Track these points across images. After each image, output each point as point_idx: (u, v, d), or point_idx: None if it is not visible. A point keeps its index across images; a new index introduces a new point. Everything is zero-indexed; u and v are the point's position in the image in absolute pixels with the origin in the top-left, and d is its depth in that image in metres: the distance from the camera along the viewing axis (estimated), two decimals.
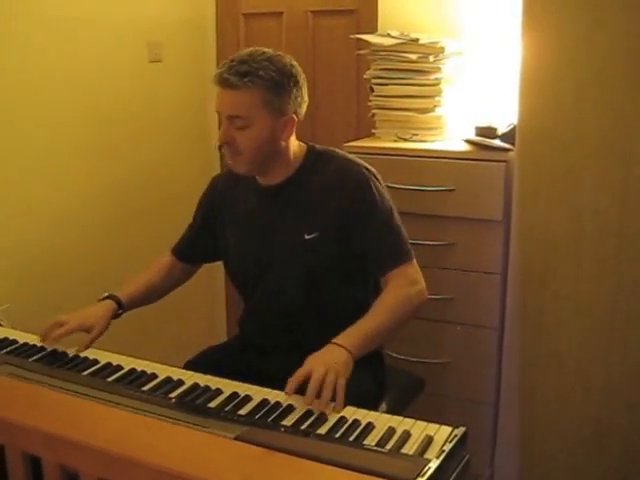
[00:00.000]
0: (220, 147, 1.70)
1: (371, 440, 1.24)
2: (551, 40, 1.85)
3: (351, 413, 1.34)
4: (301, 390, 1.40)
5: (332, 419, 1.32)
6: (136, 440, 1.05)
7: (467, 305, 2.28)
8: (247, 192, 1.80)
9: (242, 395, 1.42)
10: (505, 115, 2.27)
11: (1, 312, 2.08)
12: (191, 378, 1.50)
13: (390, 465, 1.15)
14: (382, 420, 1.31)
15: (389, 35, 2.37)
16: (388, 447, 1.21)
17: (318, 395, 1.38)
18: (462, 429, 1.25)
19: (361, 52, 2.46)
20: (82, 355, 1.61)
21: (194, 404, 1.39)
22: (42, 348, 1.65)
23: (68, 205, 2.53)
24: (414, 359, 2.34)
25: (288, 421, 1.32)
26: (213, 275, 3.10)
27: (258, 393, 1.43)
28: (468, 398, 2.34)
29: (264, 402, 1.40)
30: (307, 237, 1.69)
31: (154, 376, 1.51)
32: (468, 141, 2.28)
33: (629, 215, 1.84)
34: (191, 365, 1.70)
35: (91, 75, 2.55)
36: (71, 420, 1.11)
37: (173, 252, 1.94)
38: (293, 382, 1.41)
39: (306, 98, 1.71)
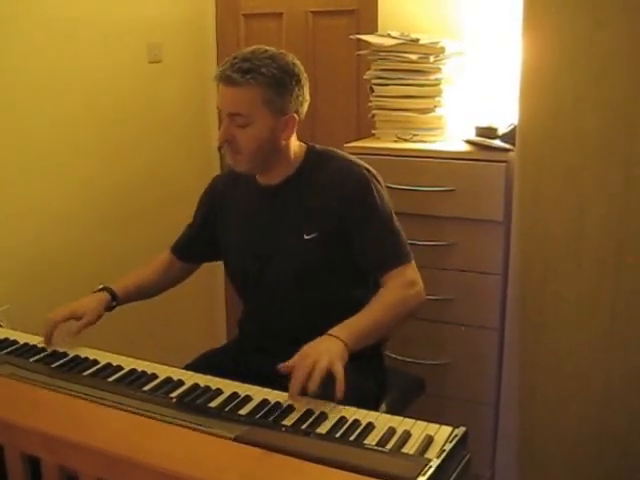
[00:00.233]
0: (220, 148, 1.70)
1: (371, 440, 1.24)
2: (551, 40, 1.85)
3: (351, 413, 1.34)
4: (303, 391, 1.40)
5: (332, 419, 1.32)
6: (136, 441, 1.05)
7: (467, 306, 2.28)
8: (247, 192, 1.80)
9: (242, 395, 1.42)
10: (505, 115, 2.27)
11: (1, 313, 2.08)
12: (191, 378, 1.50)
13: (391, 465, 1.14)
14: (382, 420, 1.31)
15: (389, 35, 2.37)
16: (388, 447, 1.21)
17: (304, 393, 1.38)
18: (462, 429, 1.25)
19: (361, 52, 2.46)
20: (82, 355, 1.61)
21: (194, 404, 1.39)
22: (42, 349, 1.65)
23: (68, 205, 2.53)
24: (414, 360, 2.34)
25: (288, 421, 1.32)
26: (213, 276, 3.10)
27: (258, 393, 1.43)
28: (468, 399, 2.34)
29: (264, 402, 1.39)
30: (306, 237, 1.69)
31: (154, 376, 1.51)
32: (468, 141, 2.28)
33: (629, 215, 1.84)
34: (191, 368, 1.70)
35: (91, 75, 2.55)
36: (71, 421, 1.11)
37: (172, 250, 1.95)
38: (286, 366, 1.41)
39: (308, 97, 1.70)
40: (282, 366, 1.42)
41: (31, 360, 1.59)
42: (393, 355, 2.31)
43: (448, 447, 1.20)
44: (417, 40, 2.31)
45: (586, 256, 1.91)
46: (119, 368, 1.55)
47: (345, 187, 1.69)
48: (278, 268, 1.74)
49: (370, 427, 1.29)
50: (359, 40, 2.47)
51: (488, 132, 2.26)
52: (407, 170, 2.26)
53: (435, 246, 2.26)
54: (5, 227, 2.32)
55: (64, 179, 2.51)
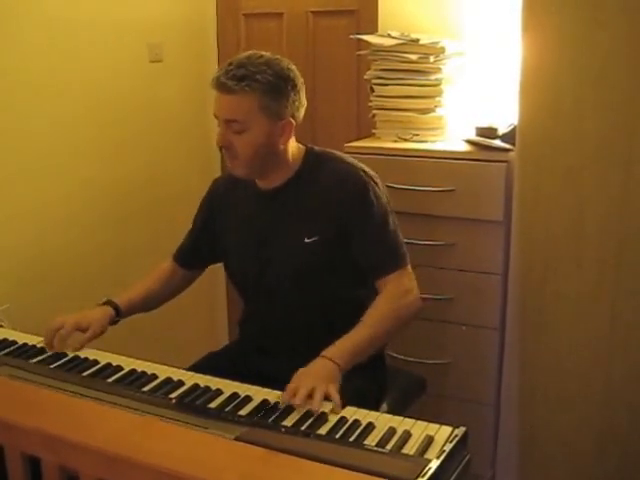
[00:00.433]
0: (221, 148, 1.70)
1: (371, 440, 1.24)
2: (551, 40, 1.85)
3: (351, 413, 1.34)
4: None
5: (332, 419, 1.32)
6: (136, 441, 1.05)
7: (467, 305, 2.28)
8: (246, 195, 1.80)
9: (242, 396, 1.42)
10: (505, 115, 2.27)
11: (1, 312, 2.08)
12: (191, 379, 1.50)
13: (391, 465, 1.15)
14: (382, 420, 1.31)
15: (389, 35, 2.37)
16: (389, 447, 1.21)
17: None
18: (462, 429, 1.25)
19: (361, 52, 2.46)
20: (82, 356, 1.61)
21: (194, 405, 1.39)
22: (42, 349, 1.65)
23: (68, 205, 2.53)
24: (415, 359, 2.34)
25: (288, 421, 1.32)
26: (214, 277, 3.10)
27: (258, 394, 1.43)
28: (469, 399, 2.34)
29: (264, 403, 1.40)
30: (307, 240, 1.69)
31: (154, 377, 1.51)
32: (468, 141, 2.28)
33: (629, 215, 1.84)
34: (192, 371, 1.70)
35: (91, 75, 2.55)
36: (71, 421, 1.11)
37: (174, 258, 1.94)
38: (285, 399, 1.41)
39: (304, 102, 1.70)
40: (282, 402, 1.41)
41: (31, 360, 1.59)
42: (394, 354, 2.31)
43: (448, 447, 1.20)
44: (417, 40, 2.31)
45: (586, 256, 1.90)
46: (119, 368, 1.55)
47: (343, 189, 1.69)
48: (278, 270, 1.73)
49: (370, 427, 1.29)
50: (359, 40, 2.47)
51: (488, 132, 2.26)
52: (407, 170, 2.26)
53: (435, 246, 2.26)
54: (5, 227, 2.32)
55: (64, 179, 2.51)
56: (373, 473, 1.00)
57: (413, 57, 2.29)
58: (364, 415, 1.34)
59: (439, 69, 2.32)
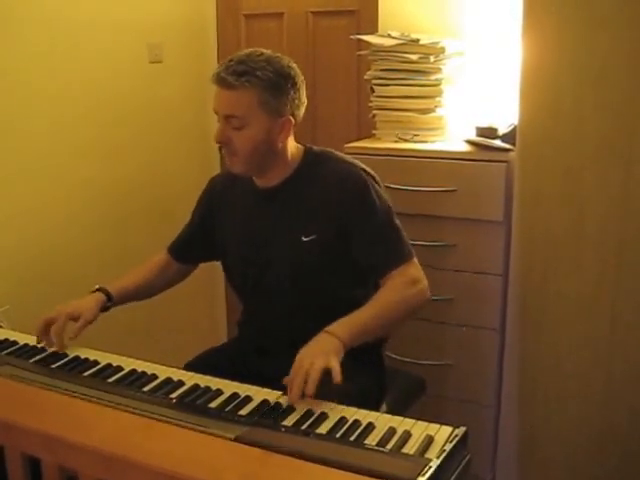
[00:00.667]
0: (221, 147, 1.70)
1: (372, 440, 1.24)
2: (551, 40, 1.85)
3: (352, 413, 1.34)
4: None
5: (332, 419, 1.32)
6: (136, 441, 1.05)
7: (468, 306, 2.28)
8: (244, 193, 1.80)
9: (242, 396, 1.42)
10: (506, 115, 2.27)
11: (1, 313, 2.08)
12: (191, 379, 1.50)
13: (391, 465, 1.14)
14: (383, 420, 1.31)
15: (389, 36, 2.37)
16: (389, 447, 1.21)
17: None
18: (462, 429, 1.25)
19: (361, 53, 2.46)
20: (82, 356, 1.61)
21: (194, 405, 1.39)
22: (42, 349, 1.65)
23: (68, 205, 2.53)
24: (415, 360, 2.34)
25: (288, 421, 1.32)
26: (213, 276, 3.10)
27: (258, 394, 1.43)
28: (469, 400, 2.34)
29: (264, 403, 1.39)
30: (305, 239, 1.69)
31: (154, 377, 1.51)
32: (469, 141, 2.28)
33: (629, 215, 1.84)
34: (190, 368, 1.70)
35: (91, 76, 2.55)
36: (71, 421, 1.11)
37: (169, 251, 1.94)
38: (293, 385, 1.40)
39: (304, 100, 1.70)
40: (285, 380, 1.42)
41: (31, 361, 1.59)
42: (394, 355, 2.31)
43: (448, 447, 1.20)
44: (417, 40, 2.31)
45: (586, 256, 1.91)
46: (119, 369, 1.55)
47: (343, 188, 1.68)
48: (277, 270, 1.73)
49: (370, 427, 1.29)
50: (359, 40, 2.47)
51: (488, 132, 2.26)
52: (407, 170, 2.26)
53: (435, 246, 2.26)
54: (5, 227, 2.32)
55: (64, 179, 2.51)
56: (373, 472, 1.00)
57: (413, 57, 2.30)
58: (364, 415, 1.33)
59: (439, 69, 2.32)
